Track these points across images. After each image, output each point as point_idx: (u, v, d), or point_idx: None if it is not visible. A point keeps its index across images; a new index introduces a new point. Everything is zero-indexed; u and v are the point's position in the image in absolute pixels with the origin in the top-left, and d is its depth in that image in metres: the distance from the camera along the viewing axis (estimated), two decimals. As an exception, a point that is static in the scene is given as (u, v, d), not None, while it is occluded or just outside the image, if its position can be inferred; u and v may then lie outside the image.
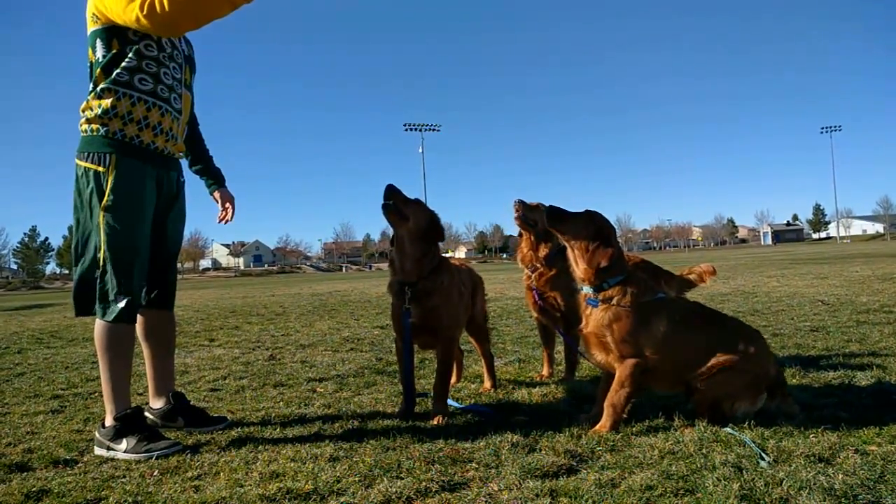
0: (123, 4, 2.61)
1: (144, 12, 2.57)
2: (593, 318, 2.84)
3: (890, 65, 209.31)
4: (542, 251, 3.75)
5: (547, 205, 2.99)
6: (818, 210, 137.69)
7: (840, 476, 2.05)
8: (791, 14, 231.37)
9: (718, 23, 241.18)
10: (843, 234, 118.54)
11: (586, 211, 2.94)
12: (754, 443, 2.39)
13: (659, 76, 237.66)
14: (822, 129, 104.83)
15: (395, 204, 3.09)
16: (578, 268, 2.89)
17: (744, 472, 2.14)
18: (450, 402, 3.24)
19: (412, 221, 3.09)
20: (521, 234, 3.91)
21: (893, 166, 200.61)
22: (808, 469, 2.12)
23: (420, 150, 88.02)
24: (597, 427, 2.72)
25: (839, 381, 3.43)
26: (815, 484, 2.00)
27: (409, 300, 3.11)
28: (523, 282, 3.99)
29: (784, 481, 2.04)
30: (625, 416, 2.73)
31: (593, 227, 2.88)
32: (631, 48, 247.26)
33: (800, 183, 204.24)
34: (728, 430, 2.57)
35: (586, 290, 2.89)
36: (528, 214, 3.76)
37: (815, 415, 2.77)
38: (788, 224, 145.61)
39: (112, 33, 2.75)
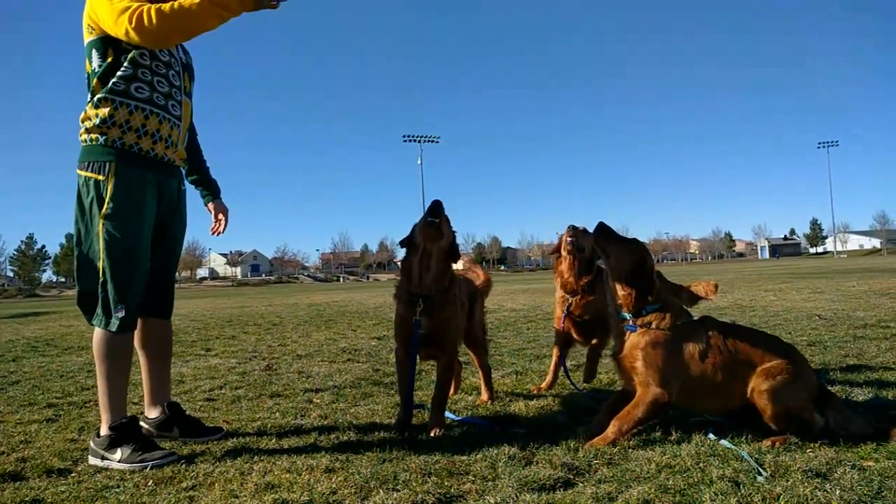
0: (114, 17, 2.63)
1: (133, 25, 2.60)
2: (630, 343, 2.84)
3: (887, 81, 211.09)
4: (584, 279, 3.81)
5: (599, 222, 2.99)
6: (815, 225, 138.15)
7: (837, 492, 2.04)
8: (790, 29, 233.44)
9: (717, 39, 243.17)
10: (839, 248, 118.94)
11: (634, 239, 2.96)
12: (752, 457, 2.39)
13: (659, 91, 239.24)
14: (820, 144, 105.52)
15: (440, 222, 3.09)
16: (619, 293, 2.90)
17: (741, 486, 2.13)
18: (447, 414, 3.23)
19: (445, 239, 3.12)
20: (561, 258, 3.92)
21: (890, 181, 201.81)
22: (806, 484, 2.11)
23: (419, 162, 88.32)
24: (596, 440, 2.71)
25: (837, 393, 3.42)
26: (812, 499, 2.00)
27: (420, 312, 3.11)
28: (558, 302, 3.99)
29: (781, 496, 2.03)
30: (627, 437, 2.71)
31: (637, 257, 2.89)
32: (631, 63, 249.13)
33: (797, 197, 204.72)
34: (725, 443, 2.56)
35: (625, 315, 2.89)
36: (580, 240, 3.79)
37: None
38: (786, 238, 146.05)
39: (107, 43, 2.77)
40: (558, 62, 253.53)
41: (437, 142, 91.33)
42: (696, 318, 2.91)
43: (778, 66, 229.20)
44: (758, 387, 2.66)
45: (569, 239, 3.79)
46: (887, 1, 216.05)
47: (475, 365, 3.94)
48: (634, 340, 2.82)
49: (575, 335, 3.96)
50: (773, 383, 2.63)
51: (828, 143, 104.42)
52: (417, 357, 3.26)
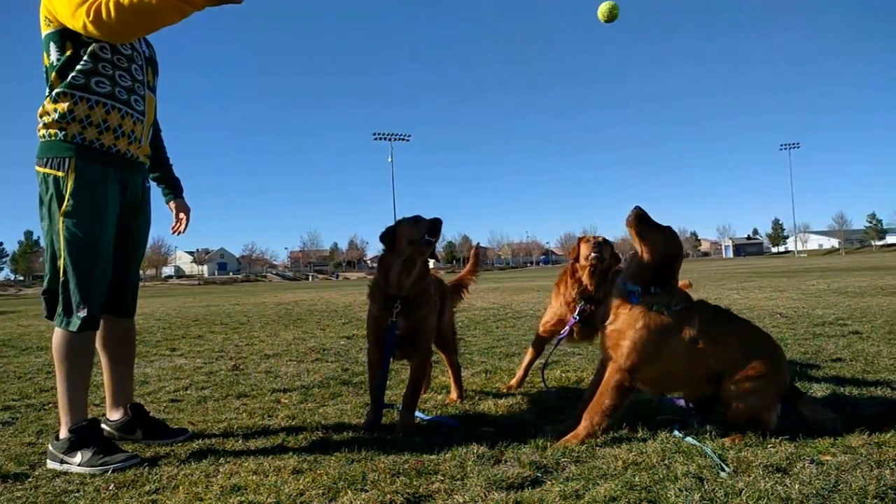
0: (71, 10, 2.56)
1: (91, 18, 2.52)
2: (627, 318, 2.82)
3: (847, 85, 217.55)
4: (602, 289, 3.87)
5: (636, 206, 2.96)
6: (777, 225, 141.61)
7: (797, 486, 2.10)
8: (754, 30, 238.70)
9: (679, 39, 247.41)
10: (800, 248, 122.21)
11: (669, 228, 2.94)
12: (715, 454, 2.44)
13: (625, 92, 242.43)
14: (782, 145, 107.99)
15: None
16: (641, 273, 2.87)
17: (705, 482, 2.18)
18: (416, 413, 3.22)
19: (433, 248, 3.10)
20: (577, 266, 3.95)
21: (848, 184, 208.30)
22: (767, 479, 2.17)
23: (389, 160, 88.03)
24: (567, 437, 2.73)
25: (796, 392, 3.52)
26: (772, 494, 2.05)
27: (397, 313, 3.08)
28: (558, 306, 4.06)
29: (743, 491, 2.08)
30: (601, 430, 2.73)
31: (673, 247, 2.88)
32: (596, 65, 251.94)
33: (760, 198, 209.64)
34: (690, 440, 2.61)
35: (633, 287, 2.86)
36: (602, 252, 3.83)
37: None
38: (749, 238, 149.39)
39: (65, 36, 2.69)
40: (529, 63, 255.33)
41: (408, 140, 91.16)
42: (694, 301, 2.93)
43: (742, 69, 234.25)
44: (731, 388, 2.72)
45: (594, 254, 3.81)
46: (850, 5, 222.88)
47: (445, 364, 3.94)
48: (632, 317, 2.80)
49: (577, 337, 4.03)
50: (746, 387, 2.70)
51: (790, 144, 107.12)
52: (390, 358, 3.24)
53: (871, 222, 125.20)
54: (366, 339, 3.36)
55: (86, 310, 2.69)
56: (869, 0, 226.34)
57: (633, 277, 2.88)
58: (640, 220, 2.90)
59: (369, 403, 3.27)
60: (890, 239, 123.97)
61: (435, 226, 3.04)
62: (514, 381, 4.09)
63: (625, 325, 2.81)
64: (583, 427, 2.74)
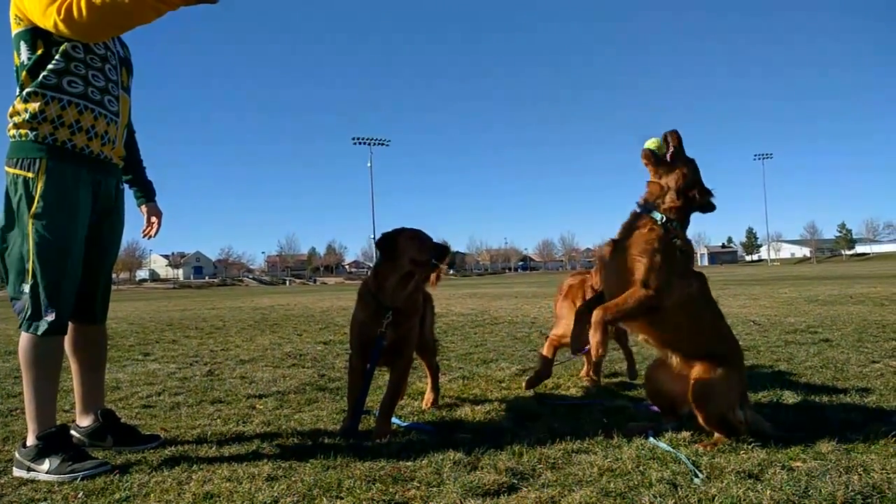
0: (42, 8, 2.51)
1: (62, 17, 2.47)
2: (647, 234, 2.75)
3: (818, 97, 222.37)
4: None
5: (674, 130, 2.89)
6: (751, 233, 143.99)
7: (768, 492, 2.13)
8: (726, 42, 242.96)
9: (656, 51, 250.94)
10: (773, 256, 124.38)
11: (694, 161, 2.89)
12: (689, 460, 2.46)
13: (600, 103, 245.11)
14: (755, 156, 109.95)
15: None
16: (666, 199, 2.82)
17: (678, 488, 2.20)
18: (393, 419, 3.20)
19: (436, 271, 3.10)
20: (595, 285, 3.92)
21: (819, 194, 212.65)
22: (739, 485, 2.19)
23: (369, 164, 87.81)
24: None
25: (768, 399, 3.58)
26: (745, 499, 2.08)
27: (387, 324, 3.05)
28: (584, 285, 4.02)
29: (716, 497, 2.10)
30: (610, 322, 2.70)
31: (698, 182, 2.84)
32: (575, 72, 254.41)
33: (734, 206, 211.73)
34: (664, 446, 2.63)
35: (656, 214, 2.81)
36: None
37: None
38: (724, 246, 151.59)
39: (36, 34, 2.64)
40: (509, 72, 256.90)
41: (387, 145, 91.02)
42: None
43: (715, 80, 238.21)
44: (698, 374, 2.72)
45: None
46: (823, 19, 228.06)
47: (423, 367, 3.92)
48: (654, 234, 2.74)
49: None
50: (710, 383, 2.70)
51: (763, 155, 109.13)
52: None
53: (841, 232, 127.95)
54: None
55: (53, 314, 2.63)
56: (842, 12, 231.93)
57: (656, 206, 2.84)
58: (681, 143, 2.86)
59: (346, 410, 3.24)
60: (859, 249, 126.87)
61: (443, 252, 3.02)
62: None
63: (646, 244, 2.73)
64: (595, 324, 2.69)
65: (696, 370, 2.73)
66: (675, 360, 2.82)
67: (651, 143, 2.89)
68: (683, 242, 2.81)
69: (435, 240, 3.11)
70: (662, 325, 2.79)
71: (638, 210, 2.90)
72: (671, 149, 2.87)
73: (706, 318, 2.84)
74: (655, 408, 3.15)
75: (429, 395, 3.77)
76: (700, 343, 2.79)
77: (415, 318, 3.19)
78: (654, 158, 2.88)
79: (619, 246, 2.81)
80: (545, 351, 3.98)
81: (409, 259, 3.01)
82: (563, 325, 3.98)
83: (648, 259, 2.70)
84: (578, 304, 3.89)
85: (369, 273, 3.17)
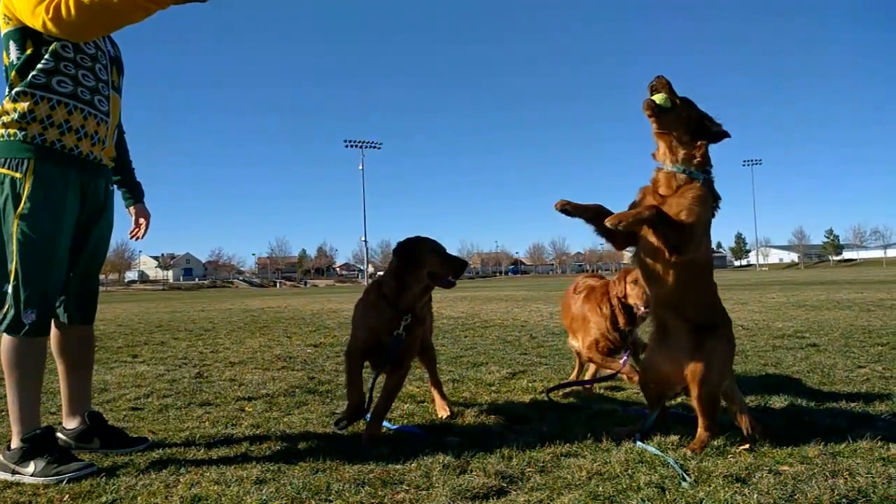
0: (31, 7, 2.49)
1: (50, 16, 2.46)
2: (692, 192, 2.73)
3: (807, 104, 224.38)
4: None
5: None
6: (739, 239, 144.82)
7: (755, 496, 2.14)
8: (715, 46, 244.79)
9: (645, 56, 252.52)
10: (761, 262, 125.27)
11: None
12: (677, 463, 2.47)
13: (590, 109, 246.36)
14: (745, 162, 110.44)
15: None
16: (681, 148, 2.81)
17: (667, 492, 2.21)
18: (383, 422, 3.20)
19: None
20: (615, 298, 3.89)
21: (807, 200, 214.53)
22: (727, 489, 2.21)
23: (360, 167, 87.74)
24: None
25: (756, 403, 3.60)
26: (732, 503, 2.09)
27: (405, 326, 3.03)
28: (610, 329, 3.93)
29: (704, 501, 2.12)
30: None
31: (696, 112, 2.84)
32: (564, 86, 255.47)
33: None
34: (652, 450, 2.65)
35: (690, 171, 2.80)
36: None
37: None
38: (713, 251, 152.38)
39: (26, 34, 2.62)
40: (501, 76, 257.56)
41: (379, 148, 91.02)
42: None
43: (705, 83, 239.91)
44: (696, 343, 2.75)
45: (644, 309, 3.76)
46: (811, 26, 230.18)
47: (428, 381, 3.82)
48: (699, 193, 2.74)
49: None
50: (707, 353, 2.74)
51: (752, 161, 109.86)
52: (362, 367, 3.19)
53: (828, 238, 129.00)
54: (332, 347, 3.35)
55: (34, 315, 2.61)
56: (831, 19, 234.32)
57: (682, 155, 2.82)
58: (670, 85, 2.86)
59: (334, 412, 3.22)
60: (847, 254, 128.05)
61: (462, 268, 3.01)
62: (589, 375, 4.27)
63: (692, 198, 2.72)
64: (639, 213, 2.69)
65: (695, 339, 2.76)
66: (675, 325, 2.84)
67: (657, 98, 2.84)
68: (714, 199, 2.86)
69: (449, 251, 3.09)
70: (675, 277, 2.79)
71: (672, 169, 2.83)
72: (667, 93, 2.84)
73: (710, 288, 2.92)
74: (645, 411, 3.16)
75: (443, 411, 3.56)
76: (701, 309, 2.85)
77: (422, 326, 3.21)
78: (657, 109, 2.83)
79: (666, 202, 2.77)
80: (589, 375, 4.07)
81: (428, 272, 2.98)
82: (594, 331, 3.95)
83: (698, 208, 2.71)
84: (605, 309, 3.91)
85: (385, 277, 3.11)
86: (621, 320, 3.86)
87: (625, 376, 3.84)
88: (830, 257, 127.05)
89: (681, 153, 2.81)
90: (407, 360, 3.21)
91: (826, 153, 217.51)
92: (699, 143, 2.81)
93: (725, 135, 2.87)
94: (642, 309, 3.74)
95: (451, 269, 2.98)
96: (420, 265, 2.99)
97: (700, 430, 2.75)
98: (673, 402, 3.34)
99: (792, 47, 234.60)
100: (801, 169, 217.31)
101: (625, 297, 3.85)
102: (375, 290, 3.15)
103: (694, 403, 2.77)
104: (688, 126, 2.82)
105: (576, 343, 4.20)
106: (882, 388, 3.98)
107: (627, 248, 3.00)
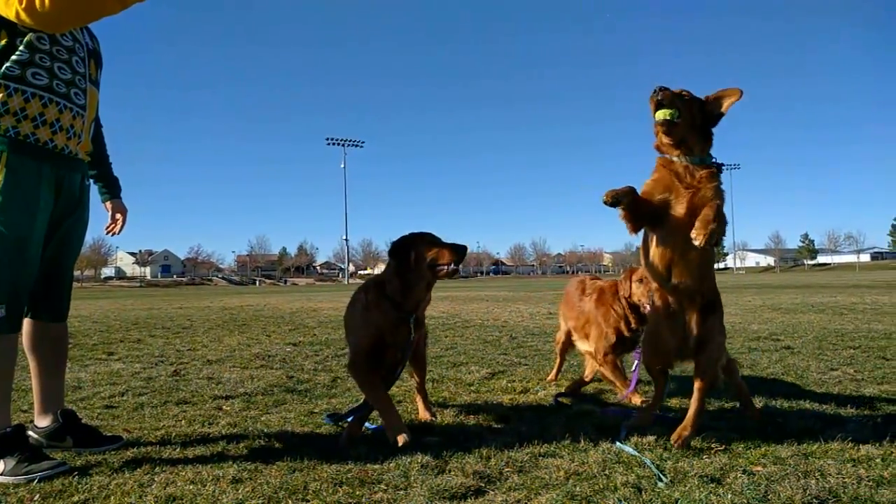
0: None
1: (23, 6, 2.39)
2: (713, 186, 2.85)
3: (783, 111, 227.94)
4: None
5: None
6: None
7: (729, 496, 2.17)
8: (693, 52, 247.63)
9: (630, 58, 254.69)
10: (738, 265, 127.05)
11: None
12: (654, 464, 2.50)
13: (574, 111, 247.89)
14: (724, 167, 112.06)
15: None
16: (696, 145, 2.90)
17: (643, 492, 2.23)
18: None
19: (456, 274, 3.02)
20: (621, 298, 3.92)
21: (783, 204, 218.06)
22: (701, 489, 2.24)
23: (342, 166, 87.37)
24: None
25: (731, 404, 3.65)
26: (706, 503, 2.12)
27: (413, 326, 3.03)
28: (622, 329, 3.94)
29: (679, 501, 2.14)
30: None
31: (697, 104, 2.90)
32: (548, 87, 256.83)
33: None
34: (629, 450, 2.67)
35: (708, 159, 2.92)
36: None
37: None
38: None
39: (0, 24, 2.57)
40: (484, 75, 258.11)
41: (361, 146, 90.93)
42: None
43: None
44: (703, 317, 2.98)
45: (649, 306, 3.69)
46: (791, 29, 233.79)
47: (414, 388, 3.68)
48: (718, 188, 2.87)
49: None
50: (713, 320, 3.03)
51: (731, 165, 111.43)
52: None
53: (804, 242, 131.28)
54: (311, 346, 3.33)
55: (4, 311, 2.56)
56: (814, 21, 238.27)
57: (699, 147, 2.92)
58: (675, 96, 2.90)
59: (334, 413, 3.17)
60: (821, 258, 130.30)
61: (463, 254, 2.94)
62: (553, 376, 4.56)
63: (713, 194, 2.82)
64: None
65: (700, 317, 2.97)
66: (687, 307, 2.97)
67: (661, 115, 2.86)
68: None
69: (445, 240, 3.03)
70: (698, 264, 2.92)
71: (690, 162, 2.90)
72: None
73: (712, 267, 3.12)
74: (628, 410, 3.20)
75: (424, 415, 3.47)
76: (706, 285, 3.00)
77: (423, 328, 3.20)
78: (669, 125, 2.86)
79: (696, 195, 2.84)
80: (620, 386, 3.94)
81: (429, 266, 2.93)
82: (611, 334, 3.94)
83: (722, 199, 2.84)
84: (618, 309, 3.93)
85: (387, 279, 3.03)
86: (632, 320, 3.90)
87: (628, 398, 3.85)
88: (805, 261, 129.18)
89: (696, 148, 2.91)
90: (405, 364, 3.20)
91: (803, 159, 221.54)
92: (709, 133, 2.95)
93: (722, 115, 2.95)
94: (647, 307, 3.76)
95: (451, 256, 2.92)
96: (419, 259, 2.95)
97: (694, 403, 2.88)
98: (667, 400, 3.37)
99: (773, 48, 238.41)
100: (778, 174, 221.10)
101: (630, 295, 3.90)
102: (374, 291, 3.07)
103: (696, 376, 2.94)
104: (696, 124, 2.90)
105: (585, 346, 4.18)
106: (853, 390, 4.06)
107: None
